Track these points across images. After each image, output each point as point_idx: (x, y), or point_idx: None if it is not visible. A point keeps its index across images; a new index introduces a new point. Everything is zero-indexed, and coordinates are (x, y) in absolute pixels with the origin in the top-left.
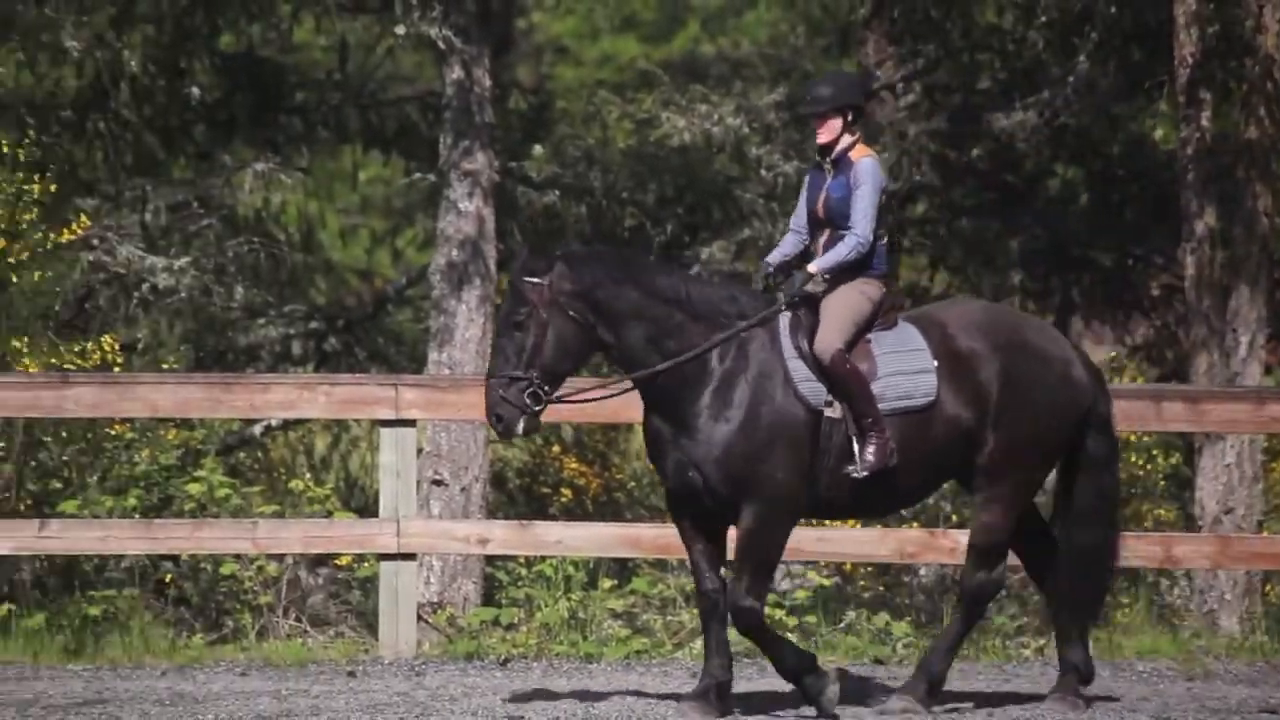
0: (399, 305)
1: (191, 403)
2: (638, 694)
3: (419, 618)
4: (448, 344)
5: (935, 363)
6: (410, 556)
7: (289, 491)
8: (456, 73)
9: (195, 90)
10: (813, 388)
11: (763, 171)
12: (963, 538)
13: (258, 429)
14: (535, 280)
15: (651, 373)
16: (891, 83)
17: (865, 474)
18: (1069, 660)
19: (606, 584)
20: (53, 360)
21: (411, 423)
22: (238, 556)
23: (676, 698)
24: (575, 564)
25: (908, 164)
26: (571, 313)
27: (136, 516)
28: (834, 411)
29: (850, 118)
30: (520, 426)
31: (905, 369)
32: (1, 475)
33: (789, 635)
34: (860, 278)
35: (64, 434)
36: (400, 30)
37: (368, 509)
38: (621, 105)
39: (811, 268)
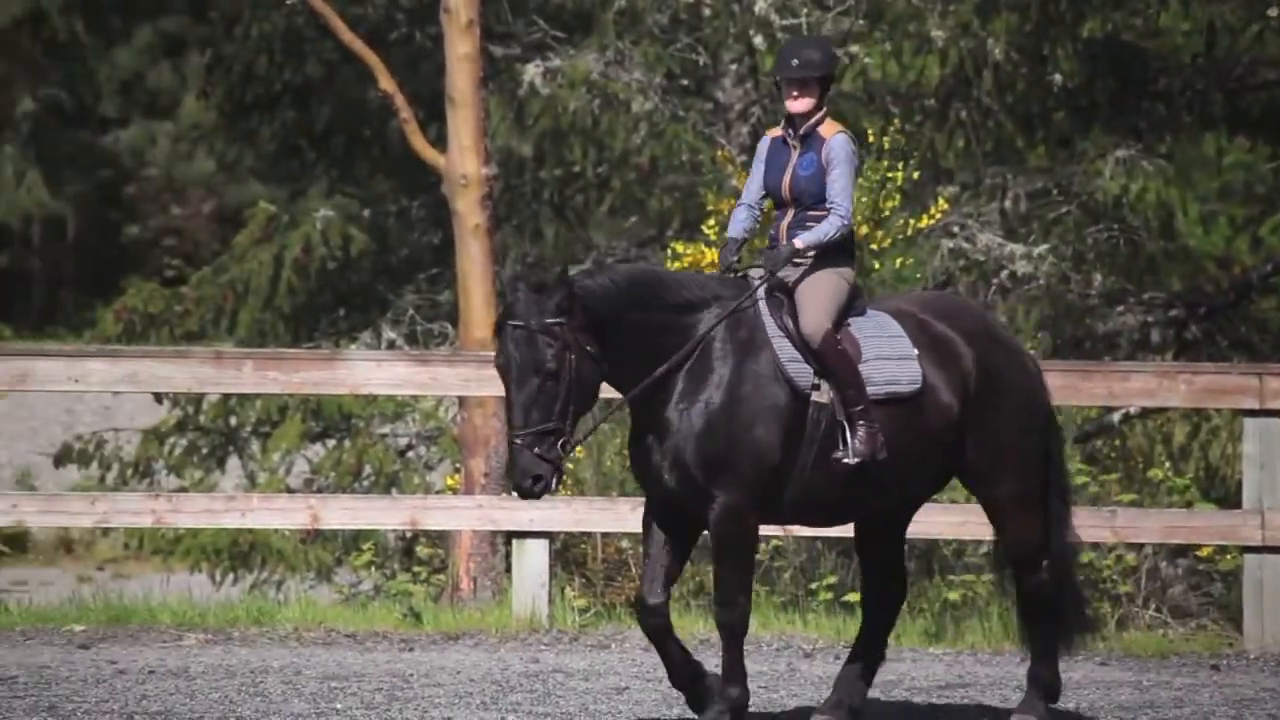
0: (1262, 293)
1: (1049, 389)
2: None
3: None
4: None
5: (916, 350)
6: (1276, 550)
7: (1147, 480)
8: None
9: (1057, 77)
10: (800, 369)
11: None
12: None
13: (1116, 416)
14: (559, 321)
15: (649, 382)
16: None
17: (856, 461)
18: (1037, 675)
19: None
20: None
21: (1278, 413)
22: (1095, 545)
23: None
24: None
25: None
26: (588, 348)
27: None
28: (821, 396)
29: (825, 89)
30: (554, 484)
31: (889, 354)
32: None
33: None
34: (839, 264)
35: None
36: (1273, 12)
37: (1228, 500)
38: None
39: (798, 243)
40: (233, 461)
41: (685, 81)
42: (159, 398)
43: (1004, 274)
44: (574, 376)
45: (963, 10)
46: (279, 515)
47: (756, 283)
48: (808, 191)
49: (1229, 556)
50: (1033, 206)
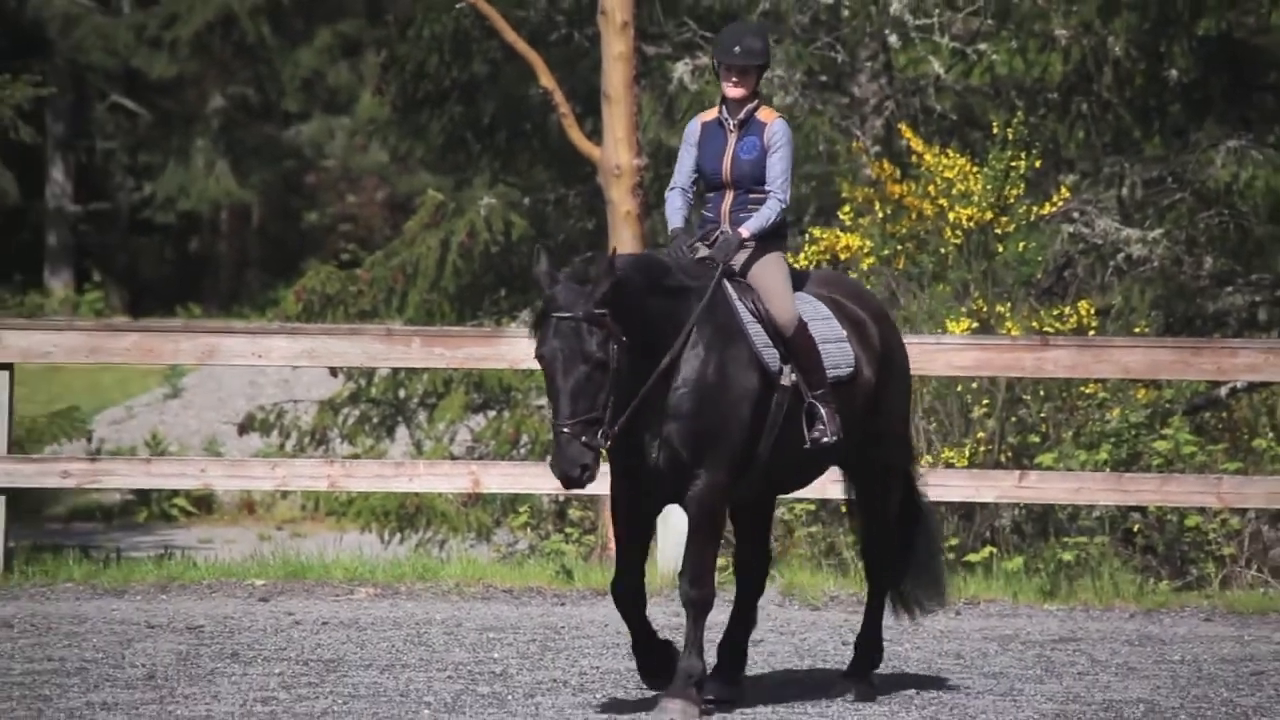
0: None
1: (1161, 365)
2: None
3: None
4: None
5: (845, 331)
6: None
7: (1251, 450)
8: None
9: (1173, 72)
10: (771, 354)
11: None
12: None
13: (1223, 391)
14: (604, 311)
15: (659, 373)
16: None
17: (831, 440)
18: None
19: None
20: (1033, 324)
21: None
22: (1202, 510)
23: None
24: None
25: None
26: (625, 337)
27: (1107, 470)
28: (786, 380)
29: (759, 77)
30: (596, 471)
31: (829, 337)
32: (985, 429)
33: None
34: (778, 247)
35: (1041, 392)
36: None
37: None
38: None
39: (744, 232)
40: (401, 430)
41: (824, 77)
42: (334, 371)
43: (1120, 257)
44: (617, 365)
45: (1085, 10)
46: (443, 480)
47: (714, 272)
48: (750, 174)
49: None
50: (1148, 193)
